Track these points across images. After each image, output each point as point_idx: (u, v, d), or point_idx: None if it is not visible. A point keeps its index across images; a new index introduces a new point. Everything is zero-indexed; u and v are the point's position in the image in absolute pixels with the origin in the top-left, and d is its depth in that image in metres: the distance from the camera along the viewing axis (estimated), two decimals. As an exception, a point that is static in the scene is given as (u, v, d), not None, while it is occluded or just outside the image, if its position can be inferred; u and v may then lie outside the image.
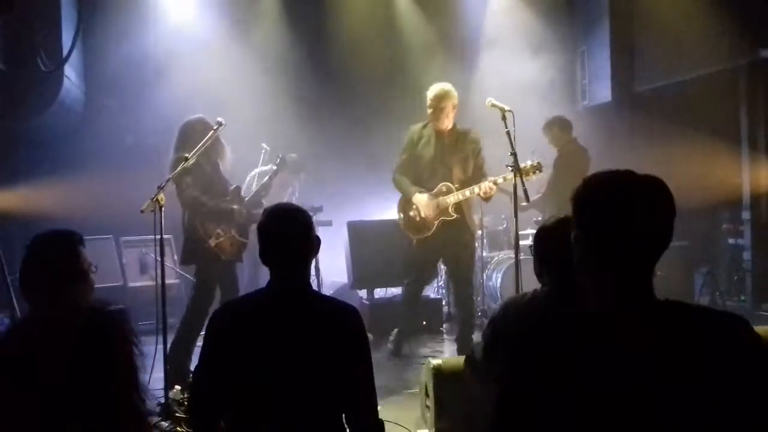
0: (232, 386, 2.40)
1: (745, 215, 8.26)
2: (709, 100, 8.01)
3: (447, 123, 5.88)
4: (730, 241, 8.43)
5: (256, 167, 6.96)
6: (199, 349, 2.72)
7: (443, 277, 8.10)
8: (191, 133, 5.23)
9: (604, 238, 1.61)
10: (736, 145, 8.24)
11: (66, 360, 2.29)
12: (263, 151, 6.93)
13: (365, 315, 7.17)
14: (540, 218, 7.02)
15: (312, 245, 2.57)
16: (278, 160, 5.98)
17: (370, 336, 6.81)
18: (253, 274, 6.92)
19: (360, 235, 7.47)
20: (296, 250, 2.52)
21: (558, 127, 7.10)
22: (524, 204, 5.43)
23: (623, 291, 1.60)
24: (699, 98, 8.03)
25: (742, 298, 8.10)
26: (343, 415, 2.50)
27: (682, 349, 1.52)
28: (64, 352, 2.30)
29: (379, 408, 4.84)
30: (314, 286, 7.09)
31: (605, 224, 1.61)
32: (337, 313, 2.51)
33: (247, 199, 5.66)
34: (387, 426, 4.44)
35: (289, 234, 2.51)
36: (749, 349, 1.55)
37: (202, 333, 3.00)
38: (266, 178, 5.89)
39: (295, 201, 6.85)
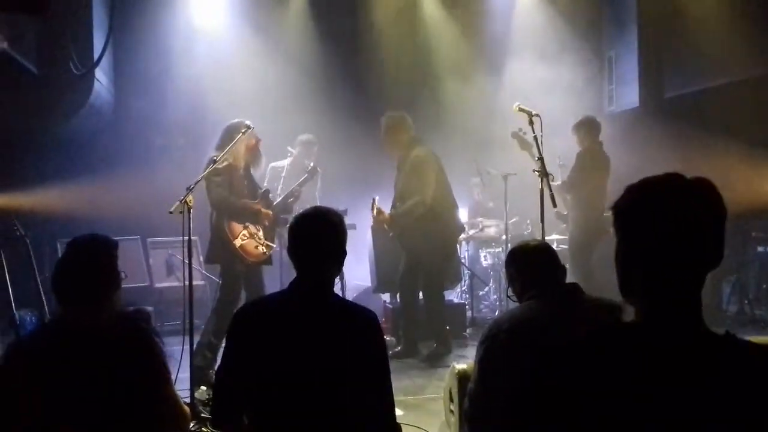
0: (251, 385, 2.41)
1: (775, 223, 8.14)
2: (739, 107, 7.89)
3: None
4: (759, 249, 8.29)
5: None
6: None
7: (467, 281, 8.07)
8: (229, 135, 5.27)
9: (651, 251, 1.44)
10: (766, 153, 8.12)
11: (98, 359, 2.33)
12: (289, 155, 6.98)
13: (388, 319, 7.27)
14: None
15: (337, 248, 2.57)
16: (310, 168, 6.03)
17: (392, 340, 6.87)
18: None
19: (384, 238, 7.46)
20: (318, 251, 2.51)
21: (585, 129, 7.09)
22: (562, 213, 5.36)
23: (674, 319, 1.43)
24: (729, 105, 7.92)
25: (771, 307, 7.97)
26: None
27: (744, 392, 1.37)
28: (96, 352, 2.34)
29: (402, 412, 4.83)
30: (337, 290, 7.09)
31: (652, 234, 1.44)
32: (355, 316, 2.51)
33: (275, 203, 5.69)
34: (411, 430, 4.46)
35: (313, 234, 2.52)
36: None
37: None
38: (296, 185, 5.96)
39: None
